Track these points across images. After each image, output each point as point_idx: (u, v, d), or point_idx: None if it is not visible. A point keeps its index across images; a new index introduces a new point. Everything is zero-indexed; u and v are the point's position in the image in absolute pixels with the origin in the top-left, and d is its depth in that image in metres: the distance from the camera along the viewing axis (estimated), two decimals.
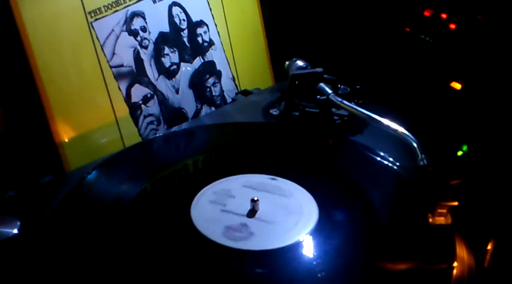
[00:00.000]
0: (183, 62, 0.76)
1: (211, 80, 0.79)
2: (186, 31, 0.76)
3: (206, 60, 0.78)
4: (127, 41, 0.70)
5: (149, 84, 0.72)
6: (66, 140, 0.65)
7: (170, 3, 0.74)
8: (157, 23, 0.73)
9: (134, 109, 0.71)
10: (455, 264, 0.47)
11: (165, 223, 0.52)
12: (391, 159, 0.60)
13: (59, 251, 0.48)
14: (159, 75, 0.73)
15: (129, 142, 0.69)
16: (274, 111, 0.71)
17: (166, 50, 0.74)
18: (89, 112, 0.67)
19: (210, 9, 0.78)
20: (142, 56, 0.71)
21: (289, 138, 0.66)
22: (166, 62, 0.74)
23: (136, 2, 0.70)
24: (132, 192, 0.56)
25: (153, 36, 0.72)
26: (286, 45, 0.84)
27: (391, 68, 0.75)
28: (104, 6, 0.67)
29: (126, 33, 0.69)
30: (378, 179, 0.58)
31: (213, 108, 0.79)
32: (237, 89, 0.82)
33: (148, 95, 0.72)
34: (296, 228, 0.50)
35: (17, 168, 0.64)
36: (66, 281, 0.45)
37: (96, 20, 0.67)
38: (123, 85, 0.70)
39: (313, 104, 0.67)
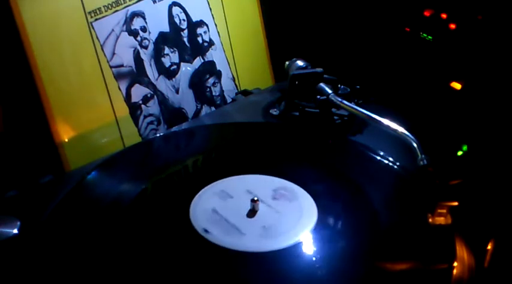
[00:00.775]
0: (183, 61, 0.76)
1: (211, 80, 0.79)
2: (186, 31, 0.76)
3: (206, 60, 0.78)
4: (127, 41, 0.70)
5: (149, 84, 0.72)
6: (66, 140, 0.65)
7: (170, 3, 0.74)
8: (157, 23, 0.73)
9: (134, 109, 0.71)
10: (455, 264, 0.47)
11: (165, 223, 0.52)
12: (391, 159, 0.60)
13: (59, 251, 0.48)
14: (159, 75, 0.73)
15: (129, 142, 0.69)
16: (274, 111, 0.71)
17: (166, 50, 0.74)
18: (89, 112, 0.67)
19: (210, 9, 0.78)
20: (142, 56, 0.71)
21: (289, 138, 0.66)
22: (166, 61, 0.74)
23: (136, 2, 0.70)
24: (132, 192, 0.56)
25: (153, 36, 0.72)
26: (286, 45, 0.84)
27: (391, 68, 0.75)
28: (104, 6, 0.67)
29: (126, 33, 0.69)
30: (378, 179, 0.58)
31: (213, 108, 0.79)
32: (237, 89, 0.82)
33: (148, 95, 0.72)
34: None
35: (17, 168, 0.64)
36: (66, 281, 0.45)
37: (96, 20, 0.67)
38: (123, 85, 0.70)
39: (313, 104, 0.67)
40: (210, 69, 0.79)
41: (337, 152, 0.64)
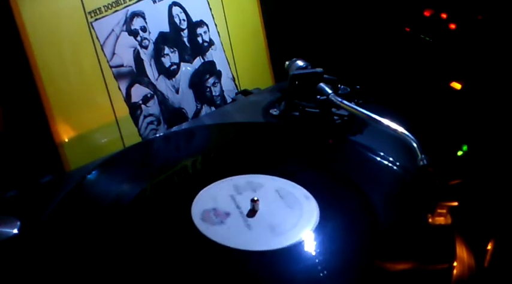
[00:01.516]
0: (183, 61, 0.76)
1: (211, 80, 0.79)
2: (186, 31, 0.76)
3: (206, 60, 0.78)
4: (127, 41, 0.70)
5: (149, 84, 0.72)
6: (66, 140, 0.65)
7: (170, 3, 0.74)
8: (157, 23, 0.73)
9: (134, 109, 0.71)
10: (455, 264, 0.47)
11: (165, 223, 0.52)
12: (391, 159, 0.60)
13: (59, 251, 0.48)
14: (159, 75, 0.73)
15: (129, 142, 0.69)
16: (274, 111, 0.71)
17: (166, 50, 0.74)
18: (89, 112, 0.67)
19: (210, 9, 0.78)
20: (142, 56, 0.71)
21: (289, 138, 0.66)
22: (166, 61, 0.74)
23: (136, 2, 0.70)
24: (132, 192, 0.56)
25: (153, 36, 0.72)
26: (286, 45, 0.84)
27: (391, 68, 0.75)
28: (104, 6, 0.67)
29: (126, 33, 0.70)
30: (378, 179, 0.58)
31: (213, 108, 0.79)
32: (237, 89, 0.82)
33: (148, 95, 0.72)
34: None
35: (17, 168, 0.64)
36: (66, 281, 0.45)
37: (96, 20, 0.67)
38: (123, 85, 0.70)
39: (313, 104, 0.67)
40: (210, 69, 0.79)
41: (337, 152, 0.64)
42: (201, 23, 0.77)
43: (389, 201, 0.54)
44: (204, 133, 0.69)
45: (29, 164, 0.64)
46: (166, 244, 0.49)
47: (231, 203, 0.53)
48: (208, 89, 0.79)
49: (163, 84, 0.73)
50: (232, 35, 0.80)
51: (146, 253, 0.48)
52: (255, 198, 0.52)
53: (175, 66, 0.75)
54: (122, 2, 0.69)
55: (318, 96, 0.66)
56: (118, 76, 0.69)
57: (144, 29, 0.71)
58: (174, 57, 0.75)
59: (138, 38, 0.71)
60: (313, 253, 0.48)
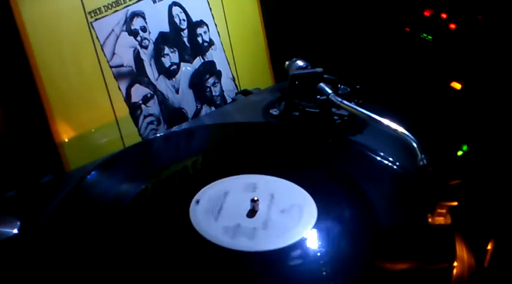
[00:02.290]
0: (183, 61, 0.76)
1: (211, 80, 0.79)
2: (186, 31, 0.76)
3: (206, 60, 0.78)
4: (127, 41, 0.70)
5: (149, 84, 0.72)
6: (66, 140, 0.65)
7: (170, 3, 0.74)
8: (157, 23, 0.73)
9: (134, 109, 0.71)
10: (455, 264, 0.47)
11: (164, 223, 0.52)
12: (391, 159, 0.60)
13: (59, 251, 0.48)
14: (159, 75, 0.73)
15: (129, 142, 0.69)
16: (274, 111, 0.71)
17: (166, 50, 0.74)
18: (89, 112, 0.67)
19: (210, 9, 0.78)
20: (143, 56, 0.71)
21: (289, 138, 0.66)
22: (166, 61, 0.74)
23: (136, 2, 0.70)
24: (132, 192, 0.56)
25: (153, 36, 0.72)
26: (286, 45, 0.84)
27: (391, 68, 0.75)
28: (104, 6, 0.67)
29: (126, 33, 0.70)
30: (378, 179, 0.58)
31: (213, 108, 0.79)
32: (237, 89, 0.82)
33: (148, 95, 0.72)
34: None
35: (17, 168, 0.64)
36: (66, 281, 0.45)
37: (96, 20, 0.67)
38: (123, 85, 0.70)
39: (313, 104, 0.67)
40: (210, 69, 0.79)
41: (337, 152, 0.64)
42: (201, 23, 0.77)
43: (389, 201, 0.54)
44: (204, 133, 0.69)
45: (29, 164, 0.64)
46: (165, 244, 0.49)
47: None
48: (208, 89, 0.79)
49: (163, 84, 0.73)
50: (232, 35, 0.80)
51: (146, 253, 0.48)
52: (255, 198, 0.52)
53: (175, 66, 0.75)
54: (122, 2, 0.69)
55: (318, 96, 0.66)
56: (118, 76, 0.69)
57: (144, 29, 0.71)
58: (174, 57, 0.75)
59: (138, 38, 0.71)
60: (313, 253, 0.48)
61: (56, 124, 0.64)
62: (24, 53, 0.62)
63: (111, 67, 0.68)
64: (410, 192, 0.56)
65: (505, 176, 0.56)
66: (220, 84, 0.80)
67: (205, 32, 0.78)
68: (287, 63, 0.73)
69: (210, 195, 0.54)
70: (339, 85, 0.70)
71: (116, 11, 0.69)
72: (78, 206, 0.54)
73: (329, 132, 0.67)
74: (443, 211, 0.51)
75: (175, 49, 0.75)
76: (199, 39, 0.77)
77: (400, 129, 0.57)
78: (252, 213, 0.52)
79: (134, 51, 0.70)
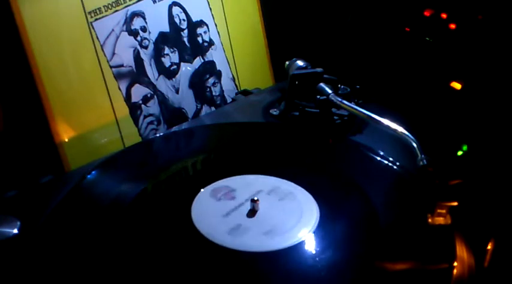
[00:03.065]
0: (183, 61, 0.76)
1: (211, 80, 0.79)
2: (186, 31, 0.76)
3: (206, 60, 0.78)
4: (127, 41, 0.70)
5: (149, 84, 0.72)
6: (66, 140, 0.65)
7: (170, 3, 0.74)
8: (157, 23, 0.73)
9: (134, 109, 0.71)
10: (455, 264, 0.47)
11: (165, 224, 0.52)
12: (391, 159, 0.60)
13: (59, 251, 0.48)
14: (159, 75, 0.73)
15: (129, 142, 0.69)
16: (274, 111, 0.71)
17: (166, 50, 0.74)
18: (89, 112, 0.67)
19: (210, 9, 0.78)
20: (143, 55, 0.71)
21: (289, 138, 0.66)
22: (166, 61, 0.74)
23: (136, 2, 0.70)
24: (132, 192, 0.55)
25: (153, 36, 0.72)
26: (286, 45, 0.84)
27: (391, 68, 0.75)
28: (104, 6, 0.67)
29: (126, 33, 0.69)
30: (378, 179, 0.58)
31: (213, 108, 0.79)
32: (237, 89, 0.82)
33: (148, 95, 0.72)
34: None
35: (17, 168, 0.64)
36: (66, 281, 0.45)
37: (96, 19, 0.67)
38: (123, 85, 0.70)
39: (313, 104, 0.67)
40: (210, 69, 0.79)
41: (337, 152, 0.64)
42: (201, 23, 0.77)
43: (389, 201, 0.54)
44: (204, 133, 0.69)
45: (29, 164, 0.64)
46: (166, 244, 0.49)
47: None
48: (208, 89, 0.79)
49: (163, 84, 0.73)
50: (232, 35, 0.80)
51: (146, 253, 0.48)
52: (255, 198, 0.52)
53: (175, 66, 0.75)
54: (122, 2, 0.69)
55: (318, 96, 0.66)
56: (118, 76, 0.69)
57: (144, 29, 0.71)
58: (174, 57, 0.75)
59: (138, 38, 0.71)
60: (313, 253, 0.48)
61: (56, 124, 0.64)
62: (24, 53, 0.62)
63: (111, 67, 0.68)
64: (410, 192, 0.56)
65: (505, 176, 0.56)
66: (220, 84, 0.80)
67: (205, 32, 0.78)
68: (287, 63, 0.73)
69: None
70: (339, 85, 0.70)
71: (116, 11, 0.69)
72: (78, 206, 0.54)
73: (329, 132, 0.67)
74: (443, 211, 0.51)
75: (175, 49, 0.75)
76: (199, 39, 0.77)
77: (400, 129, 0.57)
78: (252, 213, 0.52)
79: (134, 51, 0.70)
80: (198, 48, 0.77)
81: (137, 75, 0.71)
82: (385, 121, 0.59)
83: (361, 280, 0.46)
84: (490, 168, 0.58)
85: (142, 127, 0.72)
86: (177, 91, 0.75)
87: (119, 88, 0.69)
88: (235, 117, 0.72)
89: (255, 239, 0.49)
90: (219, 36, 0.79)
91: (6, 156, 0.64)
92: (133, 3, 0.70)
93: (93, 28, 0.67)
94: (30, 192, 0.56)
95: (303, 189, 0.55)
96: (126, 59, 0.70)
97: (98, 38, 0.67)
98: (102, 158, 0.62)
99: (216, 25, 0.79)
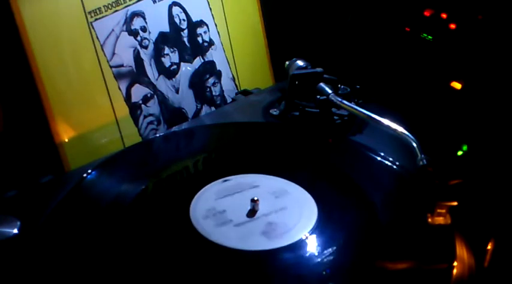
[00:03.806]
0: (183, 61, 0.76)
1: (211, 80, 0.79)
2: (186, 31, 0.76)
3: (206, 60, 0.78)
4: (127, 41, 0.70)
5: (149, 84, 0.72)
6: (66, 140, 0.65)
7: (170, 3, 0.74)
8: (157, 23, 0.73)
9: (134, 109, 0.71)
10: (455, 264, 0.47)
11: (164, 223, 0.52)
12: (391, 159, 0.60)
13: (59, 251, 0.48)
14: (159, 75, 0.73)
15: (129, 142, 0.69)
16: (274, 111, 0.71)
17: (166, 50, 0.74)
18: (89, 112, 0.67)
19: (210, 9, 0.78)
20: (143, 55, 0.71)
21: (289, 138, 0.66)
22: (166, 61, 0.74)
23: (136, 1, 0.70)
24: (132, 192, 0.56)
25: (153, 36, 0.72)
26: (286, 45, 0.84)
27: (391, 68, 0.75)
28: (104, 6, 0.67)
29: (126, 33, 0.69)
30: (377, 179, 0.58)
31: (213, 108, 0.79)
32: (237, 89, 0.82)
33: (148, 95, 0.72)
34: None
35: (17, 168, 0.64)
36: (66, 281, 0.45)
37: (96, 19, 0.67)
38: (123, 85, 0.70)
39: (313, 104, 0.67)
40: (210, 69, 0.79)
41: (337, 152, 0.64)
42: (201, 23, 0.77)
43: (389, 201, 0.54)
44: (204, 133, 0.69)
45: (29, 164, 0.64)
46: (165, 244, 0.49)
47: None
48: (208, 89, 0.79)
49: (163, 84, 0.73)
50: (232, 35, 0.80)
51: (146, 253, 0.48)
52: (255, 198, 0.52)
53: (175, 66, 0.75)
54: (122, 2, 0.69)
55: (318, 96, 0.66)
56: (118, 76, 0.69)
57: (144, 29, 0.71)
58: (174, 57, 0.75)
59: (138, 38, 0.71)
60: (313, 253, 0.48)
61: (56, 124, 0.64)
62: (24, 53, 0.62)
63: (111, 67, 0.68)
64: (410, 192, 0.56)
65: (505, 176, 0.56)
66: (220, 84, 0.80)
67: (205, 32, 0.78)
68: (287, 63, 0.73)
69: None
70: (339, 85, 0.70)
71: (116, 10, 0.69)
72: (78, 206, 0.54)
73: (329, 132, 0.67)
74: (443, 211, 0.51)
75: (175, 49, 0.75)
76: (199, 39, 0.77)
77: (400, 129, 0.57)
78: (252, 213, 0.52)
79: (134, 51, 0.70)
80: (198, 48, 0.77)
81: (137, 75, 0.71)
82: (385, 121, 0.59)
83: (361, 280, 0.46)
84: (490, 168, 0.58)
85: (142, 127, 0.72)
86: (177, 91, 0.75)
87: (119, 88, 0.69)
88: (235, 117, 0.72)
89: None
90: (219, 36, 0.79)
91: (6, 156, 0.64)
92: (133, 3, 0.70)
93: (93, 28, 0.67)
94: (30, 192, 0.56)
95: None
96: (126, 59, 0.70)
97: (98, 38, 0.67)
98: (102, 158, 0.62)
99: (216, 25, 0.79)
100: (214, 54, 0.79)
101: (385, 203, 0.54)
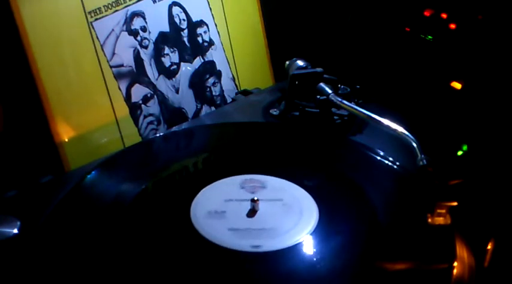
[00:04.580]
0: (183, 61, 0.76)
1: (211, 80, 0.79)
2: (186, 31, 0.76)
3: (206, 60, 0.78)
4: (127, 41, 0.70)
5: (149, 84, 0.72)
6: (66, 140, 0.65)
7: (170, 3, 0.74)
8: (157, 23, 0.73)
9: (134, 109, 0.71)
10: (455, 264, 0.47)
11: (165, 223, 0.52)
12: (391, 159, 0.60)
13: (59, 251, 0.48)
14: (159, 75, 0.73)
15: (129, 142, 0.69)
16: (274, 111, 0.71)
17: (166, 50, 0.74)
18: (89, 112, 0.67)
19: (210, 9, 0.78)
20: (143, 55, 0.71)
21: (289, 138, 0.66)
22: (166, 61, 0.74)
23: (136, 1, 0.70)
24: (132, 192, 0.56)
25: (153, 36, 0.72)
26: (286, 45, 0.84)
27: (391, 68, 0.75)
28: (104, 6, 0.67)
29: (126, 33, 0.69)
30: (377, 179, 0.58)
31: (213, 108, 0.79)
32: (237, 89, 0.82)
33: (148, 95, 0.72)
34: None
35: (17, 168, 0.64)
36: (66, 281, 0.45)
37: (96, 19, 0.67)
38: (123, 85, 0.70)
39: (313, 104, 0.67)
40: (210, 69, 0.79)
41: (337, 152, 0.64)
42: (201, 23, 0.77)
43: (389, 201, 0.54)
44: (204, 133, 0.69)
45: (29, 164, 0.64)
46: (165, 244, 0.49)
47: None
48: (208, 89, 0.79)
49: (163, 84, 0.73)
50: (232, 35, 0.80)
51: (146, 253, 0.48)
52: (255, 198, 0.52)
53: (175, 66, 0.75)
54: (122, 1, 0.69)
55: (318, 96, 0.66)
56: (118, 76, 0.69)
57: (144, 29, 0.71)
58: (174, 57, 0.75)
59: (138, 38, 0.71)
60: (313, 253, 0.48)
61: (56, 124, 0.64)
62: (24, 53, 0.62)
63: (111, 67, 0.68)
64: (410, 192, 0.56)
65: (505, 176, 0.56)
66: (220, 84, 0.80)
67: (205, 32, 0.78)
68: (287, 63, 0.73)
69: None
70: (339, 85, 0.70)
71: (116, 10, 0.69)
72: (78, 206, 0.54)
73: (329, 132, 0.67)
74: (443, 211, 0.51)
75: (175, 49, 0.75)
76: (199, 39, 0.77)
77: (400, 129, 0.57)
78: (252, 213, 0.52)
79: (134, 51, 0.70)
80: (198, 48, 0.77)
81: (137, 75, 0.71)
82: (385, 121, 0.59)
83: (361, 280, 0.46)
84: (490, 168, 0.58)
85: (142, 127, 0.72)
86: (177, 91, 0.75)
87: (119, 88, 0.69)
88: (235, 117, 0.72)
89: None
90: (219, 36, 0.79)
91: (6, 156, 0.64)
92: (133, 3, 0.70)
93: (93, 28, 0.67)
94: (30, 192, 0.56)
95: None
96: (126, 58, 0.70)
97: (98, 37, 0.67)
98: (102, 158, 0.62)
99: (216, 25, 0.79)
100: (214, 54, 0.79)
101: (385, 203, 0.54)
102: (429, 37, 0.71)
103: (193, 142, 0.68)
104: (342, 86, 0.70)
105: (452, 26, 0.68)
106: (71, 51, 0.65)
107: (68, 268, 0.46)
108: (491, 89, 0.64)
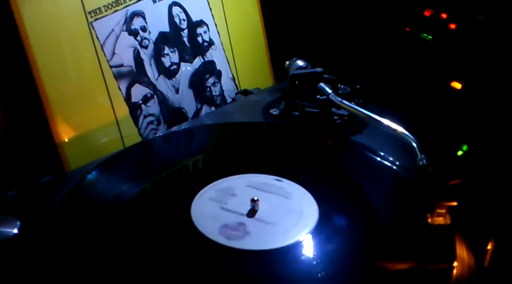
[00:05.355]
0: (183, 61, 0.76)
1: (211, 80, 0.79)
2: (186, 31, 0.76)
3: (206, 60, 0.78)
4: (127, 41, 0.70)
5: (149, 84, 0.72)
6: (66, 140, 0.65)
7: (170, 3, 0.74)
8: (157, 23, 0.73)
9: (134, 109, 0.71)
10: (455, 264, 0.47)
11: (165, 223, 0.52)
12: (391, 159, 0.60)
13: (59, 251, 0.48)
14: (159, 74, 0.73)
15: (129, 142, 0.69)
16: (274, 111, 0.71)
17: (166, 50, 0.74)
18: (89, 112, 0.67)
19: (210, 9, 0.78)
20: (143, 55, 0.71)
21: (289, 138, 0.66)
22: (166, 61, 0.74)
23: (136, 1, 0.70)
24: (132, 192, 0.56)
25: (153, 36, 0.72)
26: (286, 45, 0.84)
27: (391, 68, 0.75)
28: (104, 6, 0.67)
29: (126, 33, 0.70)
30: (377, 179, 0.58)
31: (213, 108, 0.79)
32: (237, 89, 0.82)
33: (148, 95, 0.72)
34: (296, 228, 0.50)
35: (17, 168, 0.64)
36: (66, 281, 0.45)
37: (96, 19, 0.67)
38: (123, 85, 0.70)
39: (313, 104, 0.67)
40: (210, 69, 0.79)
41: (337, 152, 0.64)
42: (201, 23, 0.77)
43: (389, 201, 0.54)
44: (204, 133, 0.69)
45: (29, 164, 0.64)
46: (165, 244, 0.49)
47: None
48: (208, 89, 0.79)
49: (163, 84, 0.73)
50: (232, 35, 0.80)
51: (146, 252, 0.48)
52: (255, 198, 0.52)
53: (175, 66, 0.75)
54: (122, 1, 0.69)
55: (318, 96, 0.66)
56: (118, 76, 0.69)
57: (144, 29, 0.71)
58: (174, 57, 0.75)
59: (138, 38, 0.71)
60: (313, 253, 0.48)
61: (56, 124, 0.64)
62: (24, 53, 0.62)
63: (111, 67, 0.68)
64: (410, 192, 0.56)
65: (505, 176, 0.56)
66: (220, 84, 0.80)
67: (205, 32, 0.78)
68: (287, 63, 0.73)
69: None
70: (339, 85, 0.70)
71: (116, 10, 0.69)
72: (78, 206, 0.54)
73: (329, 132, 0.67)
74: (443, 211, 0.51)
75: (175, 49, 0.75)
76: (199, 39, 0.77)
77: (400, 129, 0.57)
78: (252, 213, 0.52)
79: (134, 51, 0.70)
80: (198, 48, 0.77)
81: (137, 75, 0.71)
82: (385, 121, 0.59)
83: (361, 280, 0.46)
84: (490, 168, 0.58)
85: (142, 127, 0.72)
86: (177, 91, 0.75)
87: (119, 88, 0.69)
88: (235, 117, 0.72)
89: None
90: (219, 36, 0.79)
91: (6, 156, 0.64)
92: (133, 3, 0.70)
93: (93, 28, 0.67)
94: (30, 192, 0.56)
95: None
96: (126, 58, 0.70)
97: (98, 37, 0.67)
98: (102, 158, 0.62)
99: (216, 25, 0.79)
100: (214, 54, 0.79)
101: (385, 203, 0.54)
102: (429, 37, 0.71)
103: (193, 142, 0.68)
104: (342, 86, 0.70)
105: (452, 26, 0.68)
106: (71, 51, 0.65)
107: (68, 268, 0.46)
108: (491, 89, 0.64)
